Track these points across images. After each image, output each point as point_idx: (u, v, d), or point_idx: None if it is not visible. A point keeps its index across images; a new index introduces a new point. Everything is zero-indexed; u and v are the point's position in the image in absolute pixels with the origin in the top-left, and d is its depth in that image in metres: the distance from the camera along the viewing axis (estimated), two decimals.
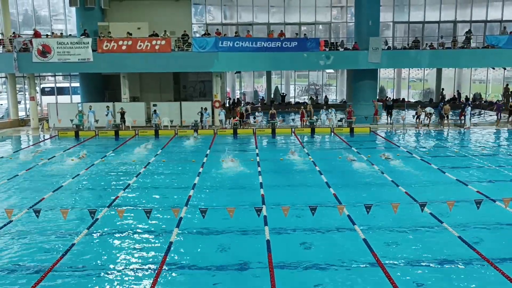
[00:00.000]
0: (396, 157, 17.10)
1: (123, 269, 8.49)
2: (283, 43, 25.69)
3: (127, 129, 24.46)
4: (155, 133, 23.53)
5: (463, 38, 29.19)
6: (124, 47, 24.88)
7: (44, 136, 23.75)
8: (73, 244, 9.31)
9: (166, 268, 8.35)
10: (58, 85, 32.91)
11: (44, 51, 24.62)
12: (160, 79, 28.99)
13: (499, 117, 25.68)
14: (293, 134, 23.47)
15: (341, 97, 37.19)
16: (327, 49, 26.85)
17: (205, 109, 25.19)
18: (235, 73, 34.39)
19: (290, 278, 8.05)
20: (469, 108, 25.37)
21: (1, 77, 30.52)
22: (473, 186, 13.17)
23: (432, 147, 20.12)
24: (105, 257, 8.96)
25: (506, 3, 33.85)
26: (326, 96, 35.97)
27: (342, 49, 28.26)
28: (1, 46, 26.11)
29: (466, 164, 16.38)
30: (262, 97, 36.30)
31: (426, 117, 25.42)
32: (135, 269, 8.49)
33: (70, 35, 29.18)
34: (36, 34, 26.04)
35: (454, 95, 35.26)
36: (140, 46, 24.90)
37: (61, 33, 28.45)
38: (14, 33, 27.04)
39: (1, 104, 30.96)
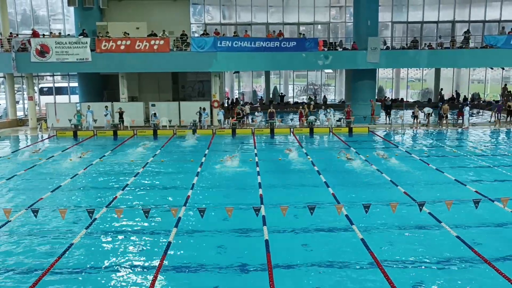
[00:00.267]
0: (393, 156, 17.14)
1: (121, 269, 8.48)
2: (282, 43, 25.70)
3: (125, 129, 24.44)
4: (153, 133, 23.51)
5: (461, 38, 29.24)
6: (122, 47, 24.86)
7: (42, 136, 23.71)
8: (71, 244, 9.30)
9: (165, 268, 8.34)
10: (56, 85, 32.85)
11: (43, 51, 24.59)
12: (158, 79, 28.98)
13: (499, 117, 25.72)
14: (291, 134, 23.48)
15: (340, 97, 37.21)
16: (325, 49, 26.88)
17: (204, 109, 25.19)
18: (234, 73, 34.38)
19: (288, 278, 8.05)
20: (468, 108, 25.42)
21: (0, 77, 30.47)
22: (472, 186, 13.19)
23: (431, 147, 20.13)
24: (104, 257, 8.94)
25: (505, 3, 33.89)
26: (324, 96, 35.98)
27: (341, 49, 28.30)
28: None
29: (465, 164, 16.41)
30: (261, 97, 36.29)
31: (425, 117, 25.44)
32: (133, 269, 8.48)
33: (68, 35, 29.12)
34: (35, 34, 26.00)
35: (452, 95, 35.30)
36: (138, 46, 24.88)
37: (60, 33, 28.40)
38: (11, 33, 27.01)
39: (0, 104, 30.91)
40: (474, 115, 29.14)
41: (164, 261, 8.51)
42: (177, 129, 24.28)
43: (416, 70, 37.69)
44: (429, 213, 10.66)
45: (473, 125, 25.37)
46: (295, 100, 36.50)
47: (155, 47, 24.90)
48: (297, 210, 10.92)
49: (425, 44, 30.25)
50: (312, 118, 24.97)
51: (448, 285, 7.77)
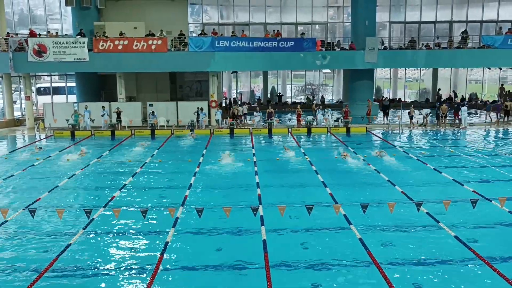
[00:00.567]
0: (391, 156, 17.16)
1: (119, 269, 8.46)
2: (280, 43, 25.70)
3: (123, 129, 24.40)
4: (151, 133, 23.47)
5: (459, 38, 29.29)
6: (120, 47, 24.83)
7: (39, 136, 23.65)
8: (69, 244, 9.27)
9: (162, 268, 8.32)
10: (54, 84, 32.81)
11: (40, 51, 24.54)
12: (156, 79, 28.95)
13: (498, 117, 25.78)
14: (289, 134, 23.48)
15: (338, 97, 37.24)
16: (323, 49, 26.89)
17: (201, 109, 25.17)
18: (232, 73, 34.37)
19: (286, 278, 8.04)
20: (465, 108, 25.48)
21: None
22: (469, 185, 13.20)
23: (428, 147, 20.16)
24: (101, 257, 8.92)
25: (502, 4, 33.96)
26: (322, 96, 36.01)
27: (339, 49, 28.32)
28: None
29: (462, 164, 16.43)
30: (259, 97, 36.30)
31: (424, 119, 25.49)
32: (131, 269, 8.46)
33: (66, 34, 29.11)
34: (32, 34, 25.95)
35: (450, 95, 35.36)
36: (136, 45, 24.85)
37: (57, 33, 28.34)
38: (9, 33, 26.93)
39: None
40: (471, 115, 29.19)
41: (161, 261, 8.49)
42: (175, 129, 24.26)
43: (414, 70, 37.77)
44: (427, 213, 10.66)
45: (470, 125, 25.42)
46: (293, 100, 36.53)
47: (153, 47, 24.88)
48: (295, 210, 10.91)
49: (423, 44, 30.29)
50: (310, 118, 24.99)
51: (446, 284, 7.77)
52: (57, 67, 25.83)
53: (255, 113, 26.04)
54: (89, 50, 24.77)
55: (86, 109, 24.62)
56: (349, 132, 23.57)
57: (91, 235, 9.99)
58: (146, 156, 18.03)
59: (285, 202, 11.11)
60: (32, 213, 9.70)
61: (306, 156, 17.52)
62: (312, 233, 9.99)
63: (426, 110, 26.01)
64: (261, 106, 31.50)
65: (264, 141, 22.04)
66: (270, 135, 23.38)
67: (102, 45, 24.76)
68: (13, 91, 28.21)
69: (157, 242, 9.55)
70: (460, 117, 25.20)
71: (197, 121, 24.92)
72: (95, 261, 8.75)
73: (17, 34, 27.75)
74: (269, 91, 36.00)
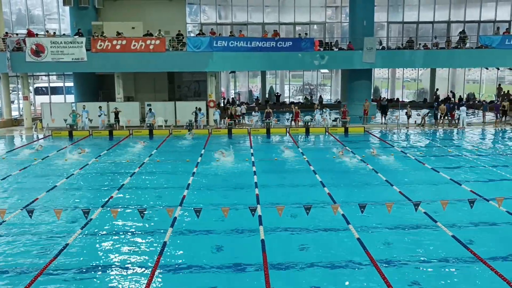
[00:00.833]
0: (389, 156, 17.18)
1: (117, 269, 8.45)
2: (278, 43, 25.69)
3: (121, 129, 24.37)
4: (149, 133, 23.44)
5: (457, 38, 29.33)
6: (118, 47, 24.79)
7: (37, 136, 23.61)
8: (67, 245, 9.26)
9: (160, 268, 8.31)
10: (51, 84, 32.75)
11: (38, 51, 24.49)
12: (154, 79, 28.91)
13: (497, 117, 25.84)
14: (287, 134, 23.48)
15: (336, 97, 37.27)
16: (321, 49, 26.88)
17: (199, 109, 25.16)
18: (230, 73, 34.35)
19: (285, 277, 8.04)
20: (464, 108, 25.53)
21: None
22: (467, 185, 13.23)
23: (426, 146, 20.20)
24: (99, 257, 8.91)
25: (499, 4, 34.04)
26: (320, 96, 36.03)
27: (337, 49, 28.32)
28: None
29: (460, 164, 16.46)
30: (257, 97, 36.30)
31: (422, 119, 25.52)
32: (129, 269, 8.46)
33: (64, 34, 29.05)
34: (30, 34, 25.89)
35: (448, 95, 35.40)
36: (134, 45, 24.81)
37: (55, 33, 28.27)
38: (6, 32, 26.86)
39: None
40: (469, 115, 29.23)
41: (159, 261, 8.48)
42: (173, 129, 24.23)
43: (412, 70, 37.80)
44: (425, 212, 10.68)
45: (468, 125, 25.47)
46: (291, 100, 36.55)
47: (151, 47, 24.85)
48: (293, 209, 10.92)
49: (421, 44, 30.33)
50: (308, 118, 25.00)
51: (444, 284, 7.79)
52: (55, 67, 25.77)
53: (253, 113, 26.02)
54: (87, 50, 24.72)
55: (84, 109, 24.58)
56: (347, 132, 23.58)
57: (89, 235, 9.97)
58: (144, 156, 18.02)
59: (283, 202, 11.10)
60: (30, 213, 9.68)
61: (304, 156, 17.52)
62: (310, 233, 10.00)
63: (424, 111, 26.05)
64: (259, 106, 31.56)
65: (262, 141, 22.04)
66: (268, 135, 23.38)
67: (100, 45, 24.73)
68: (11, 91, 28.15)
69: (155, 242, 9.55)
70: (457, 117, 25.24)
71: (195, 121, 24.90)
72: (93, 261, 8.73)
73: (15, 34, 27.67)
74: (267, 91, 36.00)
